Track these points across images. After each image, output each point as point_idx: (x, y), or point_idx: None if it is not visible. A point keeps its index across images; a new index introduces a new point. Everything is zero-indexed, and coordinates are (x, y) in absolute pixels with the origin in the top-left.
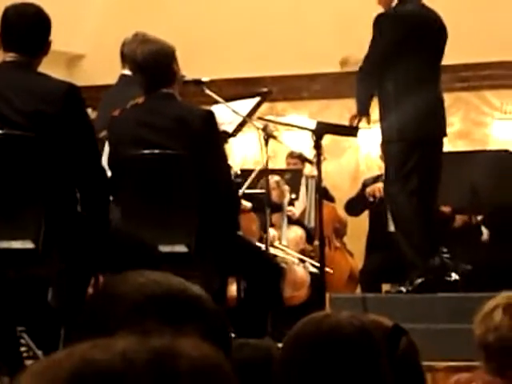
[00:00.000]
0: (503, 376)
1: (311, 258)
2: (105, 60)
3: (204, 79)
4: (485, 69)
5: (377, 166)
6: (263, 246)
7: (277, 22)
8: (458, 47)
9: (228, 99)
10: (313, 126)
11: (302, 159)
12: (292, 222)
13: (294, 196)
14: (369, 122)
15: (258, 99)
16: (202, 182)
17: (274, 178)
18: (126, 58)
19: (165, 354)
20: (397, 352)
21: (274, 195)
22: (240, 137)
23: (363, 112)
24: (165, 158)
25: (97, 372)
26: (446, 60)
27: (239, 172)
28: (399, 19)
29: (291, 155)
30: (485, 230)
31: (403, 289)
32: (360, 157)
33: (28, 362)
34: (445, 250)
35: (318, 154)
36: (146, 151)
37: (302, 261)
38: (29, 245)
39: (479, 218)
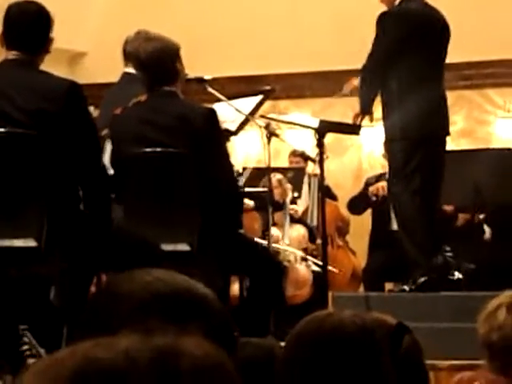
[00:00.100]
0: (507, 375)
1: (314, 256)
2: (107, 58)
3: (206, 77)
4: (488, 67)
5: (379, 165)
6: (265, 245)
7: (280, 20)
8: (461, 45)
9: (230, 97)
10: (315, 125)
11: (305, 157)
12: (294, 220)
13: (296, 194)
14: (372, 120)
15: (260, 97)
16: (205, 181)
17: (276, 177)
18: (128, 55)
19: (167, 353)
20: (400, 350)
21: (277, 194)
22: (242, 135)
23: (366, 111)
24: (167, 157)
25: (99, 370)
26: (449, 58)
27: (241, 170)
28: (402, 17)
29: (294, 153)
30: (487, 229)
31: (406, 288)
32: (363, 155)
33: (30, 361)
34: (448, 248)
35: (321, 153)
36: (148, 149)
37: (305, 259)
38: (31, 243)
39: (481, 216)
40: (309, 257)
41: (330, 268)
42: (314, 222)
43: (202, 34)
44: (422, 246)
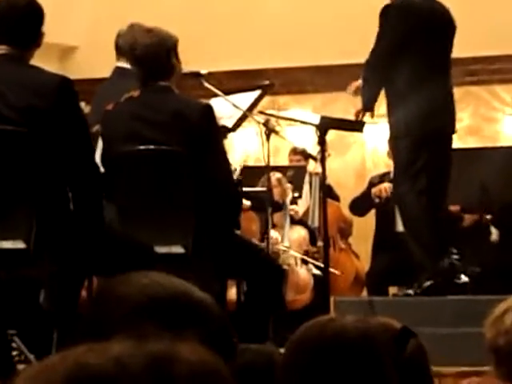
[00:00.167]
0: None
1: (315, 259)
2: (99, 52)
3: (203, 71)
4: (494, 62)
5: (384, 163)
6: (264, 247)
7: (279, 11)
8: (467, 40)
9: (228, 92)
10: (317, 121)
11: (306, 156)
12: (295, 221)
13: (296, 194)
14: (372, 116)
15: (259, 92)
16: (201, 180)
17: (275, 176)
18: (121, 49)
19: (161, 359)
20: (404, 354)
21: (276, 193)
22: (240, 132)
23: (368, 107)
24: (161, 154)
25: (91, 377)
26: (454, 53)
27: (238, 169)
28: (406, 10)
29: (294, 151)
30: (494, 230)
31: (411, 292)
32: (366, 153)
33: (19, 367)
34: (454, 250)
35: (322, 150)
36: (141, 147)
37: (306, 262)
38: (20, 245)
39: (488, 217)
40: (310, 260)
41: (331, 271)
42: (316, 224)
43: (197, 26)
44: (428, 248)
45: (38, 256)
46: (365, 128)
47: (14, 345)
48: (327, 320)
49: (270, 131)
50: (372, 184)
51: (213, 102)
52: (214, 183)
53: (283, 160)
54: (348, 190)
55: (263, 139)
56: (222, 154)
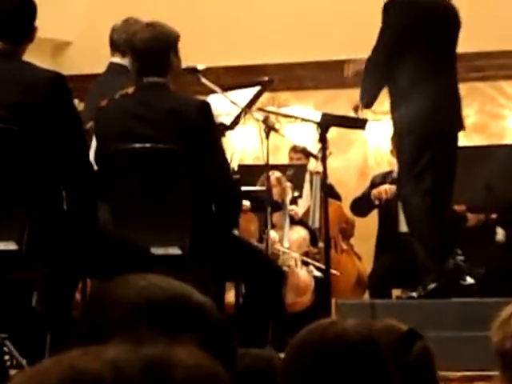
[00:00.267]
0: None
1: (316, 260)
2: (93, 47)
3: (200, 67)
4: (499, 57)
5: (386, 161)
6: (263, 248)
7: (279, 5)
8: (471, 35)
9: (226, 89)
10: (318, 118)
11: (306, 154)
12: (295, 222)
13: (296, 194)
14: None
15: (258, 88)
16: (198, 179)
17: (275, 175)
18: (115, 44)
19: (158, 363)
20: (409, 357)
21: (275, 193)
22: (239, 129)
23: (368, 104)
24: (156, 153)
25: (86, 381)
26: (459, 48)
27: (236, 168)
28: (409, 5)
29: (294, 149)
30: (500, 230)
31: (415, 294)
32: (368, 151)
33: (11, 372)
34: (459, 251)
35: (324, 149)
36: (137, 145)
37: (306, 264)
38: (12, 246)
39: (494, 216)
40: (310, 261)
41: (333, 272)
42: (316, 224)
43: (194, 21)
44: (433, 249)
45: (31, 258)
46: (367, 125)
47: (5, 349)
48: (328, 323)
49: (269, 129)
50: (374, 184)
51: (210, 98)
52: (212, 183)
53: (283, 158)
54: (350, 189)
55: (262, 137)
56: (220, 152)
